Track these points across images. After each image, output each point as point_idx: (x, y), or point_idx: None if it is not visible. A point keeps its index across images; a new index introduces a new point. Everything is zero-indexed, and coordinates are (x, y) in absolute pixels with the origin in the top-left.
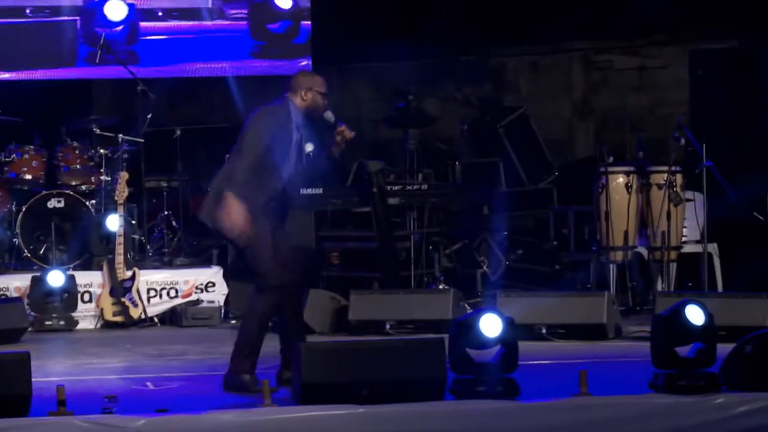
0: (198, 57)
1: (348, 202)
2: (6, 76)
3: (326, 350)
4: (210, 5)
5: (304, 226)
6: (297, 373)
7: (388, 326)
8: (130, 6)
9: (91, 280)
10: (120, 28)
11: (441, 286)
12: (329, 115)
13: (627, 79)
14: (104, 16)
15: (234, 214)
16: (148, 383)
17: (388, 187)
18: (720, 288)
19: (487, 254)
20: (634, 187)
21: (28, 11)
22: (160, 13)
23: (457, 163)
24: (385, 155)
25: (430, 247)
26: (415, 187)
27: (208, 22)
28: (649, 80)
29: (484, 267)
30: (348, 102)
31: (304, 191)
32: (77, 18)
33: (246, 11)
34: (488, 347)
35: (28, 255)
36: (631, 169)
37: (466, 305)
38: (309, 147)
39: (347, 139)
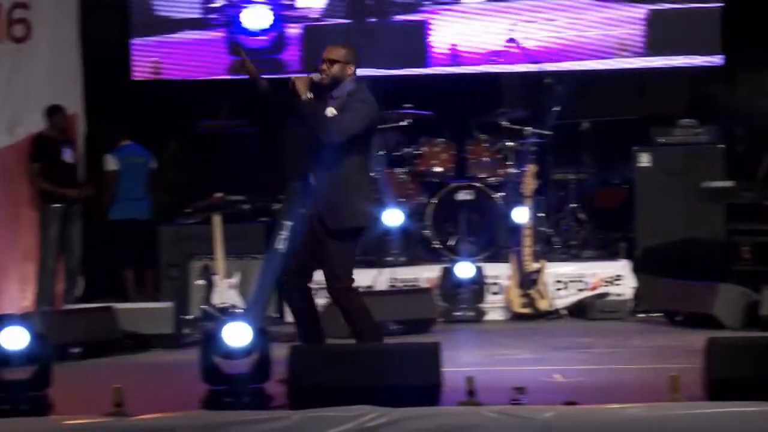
0: None
1: (760, 195)
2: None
3: (737, 346)
4: None
5: (712, 218)
6: (706, 368)
7: None
8: None
9: (499, 272)
10: None
11: None
12: None
13: None
14: None
15: None
16: (556, 375)
17: None
18: None
19: None
20: None
21: None
22: None
23: None
24: None
25: None
26: None
27: None
28: None
29: None
30: (763, 93)
31: (713, 184)
32: None
33: None
34: None
35: (438, 246)
36: None
37: None
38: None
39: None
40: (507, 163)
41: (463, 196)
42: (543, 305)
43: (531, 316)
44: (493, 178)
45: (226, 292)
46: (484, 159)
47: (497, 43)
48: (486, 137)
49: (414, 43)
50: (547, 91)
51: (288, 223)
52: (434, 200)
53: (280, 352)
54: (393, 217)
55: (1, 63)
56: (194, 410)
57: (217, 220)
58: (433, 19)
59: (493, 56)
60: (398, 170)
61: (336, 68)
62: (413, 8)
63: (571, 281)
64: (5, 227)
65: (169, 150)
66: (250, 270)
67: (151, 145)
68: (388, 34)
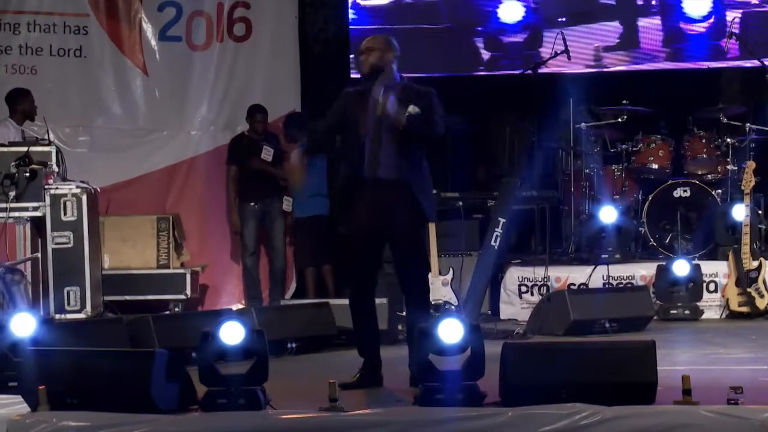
0: None
1: None
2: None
3: None
4: None
5: None
6: None
7: None
8: None
9: (717, 269)
10: None
11: None
12: None
13: None
14: None
15: None
16: None
17: None
18: None
19: None
20: None
21: None
22: None
23: None
24: None
25: None
26: None
27: None
28: None
29: None
30: None
31: None
32: None
33: None
34: None
35: (654, 244)
36: None
37: None
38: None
39: None
40: (726, 159)
41: (680, 192)
42: (762, 304)
43: (749, 315)
44: (710, 175)
45: (439, 288)
46: (702, 155)
47: None
48: (704, 133)
49: None
50: None
51: (501, 220)
52: (650, 197)
53: (493, 349)
54: (608, 214)
55: (222, 62)
56: (407, 406)
57: None
58: None
59: None
60: (614, 167)
61: (373, 56)
62: None
63: None
64: (226, 225)
65: None
66: (463, 267)
67: None
68: None
